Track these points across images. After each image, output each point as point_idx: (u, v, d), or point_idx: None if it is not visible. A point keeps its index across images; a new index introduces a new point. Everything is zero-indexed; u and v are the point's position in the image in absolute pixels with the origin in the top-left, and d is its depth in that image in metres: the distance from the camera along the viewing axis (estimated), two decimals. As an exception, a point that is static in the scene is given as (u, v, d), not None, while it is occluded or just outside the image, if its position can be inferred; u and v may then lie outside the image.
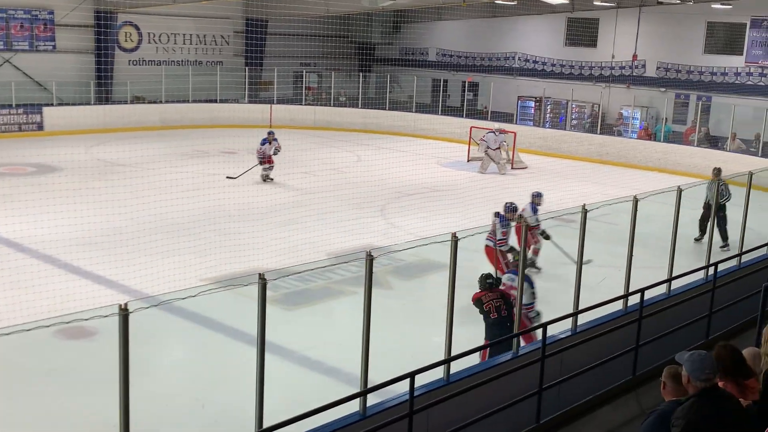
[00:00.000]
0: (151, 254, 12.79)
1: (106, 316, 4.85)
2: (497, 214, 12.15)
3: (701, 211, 15.24)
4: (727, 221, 14.57)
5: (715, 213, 12.02)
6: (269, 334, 5.78)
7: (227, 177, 18.46)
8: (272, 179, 19.75)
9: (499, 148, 23.59)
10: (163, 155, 21.57)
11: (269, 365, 5.75)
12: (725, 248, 14.35)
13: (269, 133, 20.35)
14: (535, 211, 13.51)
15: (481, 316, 8.76)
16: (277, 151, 19.97)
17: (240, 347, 9.39)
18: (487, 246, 12.08)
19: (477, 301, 8.80)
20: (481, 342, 8.41)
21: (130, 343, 4.98)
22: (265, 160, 19.79)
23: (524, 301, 8.30)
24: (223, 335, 10.08)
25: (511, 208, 12.51)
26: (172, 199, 15.12)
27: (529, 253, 12.23)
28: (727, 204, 14.45)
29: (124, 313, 4.86)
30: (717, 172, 15.18)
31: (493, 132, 23.67)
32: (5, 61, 26.56)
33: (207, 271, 12.09)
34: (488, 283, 8.89)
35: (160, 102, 28.44)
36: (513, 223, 12.18)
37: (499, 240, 11.93)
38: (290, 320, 10.71)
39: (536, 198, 13.71)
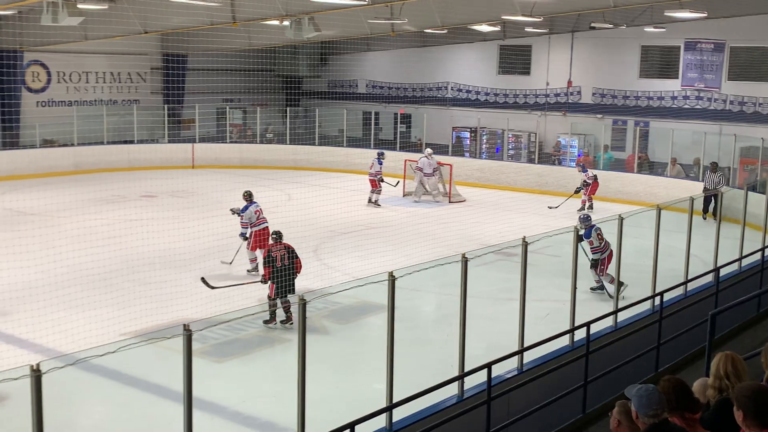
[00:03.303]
0: (65, 309, 12.46)
1: (16, 379, 4.71)
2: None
3: (643, 239, 15.78)
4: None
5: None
6: (198, 390, 5.68)
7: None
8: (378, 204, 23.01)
9: (434, 172, 23.95)
10: (77, 201, 21.14)
11: (198, 423, 5.65)
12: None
13: (379, 154, 23.59)
14: None
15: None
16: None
17: (167, 405, 9.18)
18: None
19: (268, 253, 12.20)
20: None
21: (44, 406, 4.83)
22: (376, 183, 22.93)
23: None
24: (147, 393, 9.85)
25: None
26: (87, 248, 14.79)
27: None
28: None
29: (37, 375, 4.73)
30: (714, 166, 21.66)
31: (426, 156, 24.05)
32: None
33: (128, 325, 11.82)
34: (276, 237, 12.47)
35: (73, 145, 27.94)
36: None
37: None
38: (220, 373, 10.54)
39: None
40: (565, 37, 30.37)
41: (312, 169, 29.37)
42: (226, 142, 31.12)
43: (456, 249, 15.49)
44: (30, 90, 29.11)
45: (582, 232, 13.44)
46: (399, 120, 31.35)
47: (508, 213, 21.87)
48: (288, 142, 30.97)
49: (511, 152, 30.39)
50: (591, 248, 13.74)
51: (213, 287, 13.24)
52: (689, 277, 11.28)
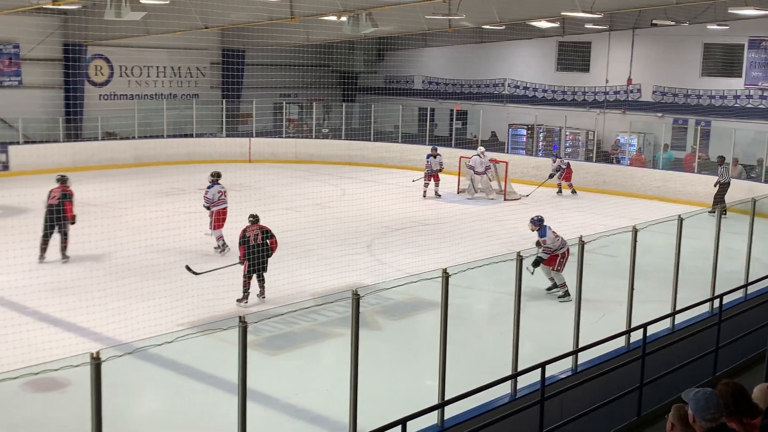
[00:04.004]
0: (124, 299, 12.71)
1: (77, 366, 4.81)
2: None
3: (702, 240, 15.49)
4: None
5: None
6: (251, 381, 5.74)
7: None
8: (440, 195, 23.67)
9: (486, 171, 23.82)
10: (137, 193, 21.54)
11: (251, 414, 5.71)
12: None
13: (433, 149, 23.96)
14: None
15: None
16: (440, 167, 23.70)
17: (220, 396, 9.30)
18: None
19: (243, 233, 13.09)
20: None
21: (102, 393, 4.93)
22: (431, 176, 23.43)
23: None
24: (202, 383, 9.99)
25: None
26: (146, 240, 15.07)
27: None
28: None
29: (96, 362, 4.82)
30: (721, 159, 21.95)
31: (478, 155, 23.94)
32: (-32, 97, 26.58)
33: (184, 316, 12.02)
34: (252, 220, 13.28)
35: (134, 138, 28.47)
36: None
37: None
38: (273, 366, 10.63)
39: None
40: (626, 34, 29.88)
41: (367, 165, 29.43)
42: (282, 137, 31.37)
43: (510, 247, 15.40)
44: (93, 83, 29.73)
45: (536, 231, 13.79)
46: (455, 116, 31.21)
47: (564, 212, 21.64)
48: (343, 138, 31.10)
49: (569, 150, 30.04)
50: (544, 246, 13.57)
51: (197, 273, 13.61)
52: (750, 280, 11.03)
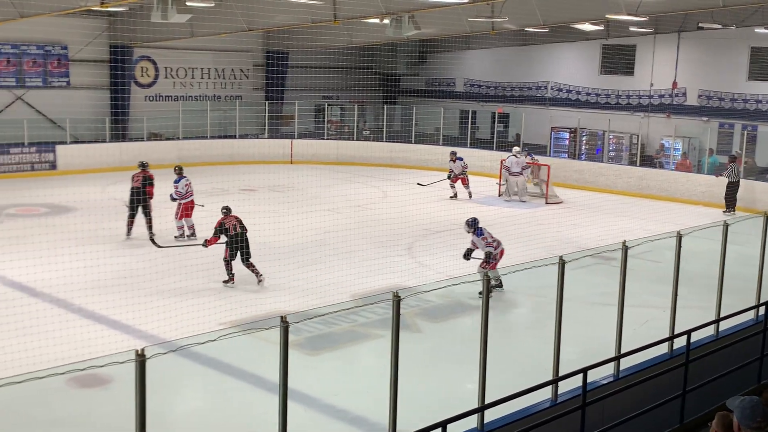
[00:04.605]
0: (168, 297, 12.87)
1: (122, 363, 4.88)
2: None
3: (748, 246, 15.31)
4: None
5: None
6: (291, 381, 5.77)
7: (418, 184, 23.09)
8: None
9: (522, 171, 23.66)
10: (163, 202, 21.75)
11: (291, 413, 5.74)
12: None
13: (452, 153, 23.92)
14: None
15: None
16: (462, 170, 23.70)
17: (260, 394, 9.38)
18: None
19: (221, 224, 14.01)
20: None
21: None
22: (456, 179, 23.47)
23: None
24: (242, 382, 10.07)
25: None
26: (190, 239, 15.23)
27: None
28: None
29: (141, 359, 4.89)
30: (732, 158, 22.66)
31: (514, 155, 23.80)
32: (17, 98, 27.10)
33: (226, 315, 12.13)
34: (225, 211, 14.22)
35: (178, 138, 28.81)
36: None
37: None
38: (313, 366, 10.68)
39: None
40: (671, 37, 29.53)
41: (408, 167, 29.42)
42: (323, 139, 31.51)
43: (552, 251, 15.32)
44: (139, 84, 30.17)
45: (470, 232, 13.88)
46: (497, 119, 31.10)
47: (607, 216, 21.42)
48: (384, 140, 31.14)
49: (612, 154, 29.74)
50: (485, 243, 13.66)
51: (160, 246, 15.14)
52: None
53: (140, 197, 16.95)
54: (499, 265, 13.55)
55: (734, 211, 22.19)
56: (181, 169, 17.68)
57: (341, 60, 33.24)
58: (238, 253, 14.01)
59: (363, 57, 32.79)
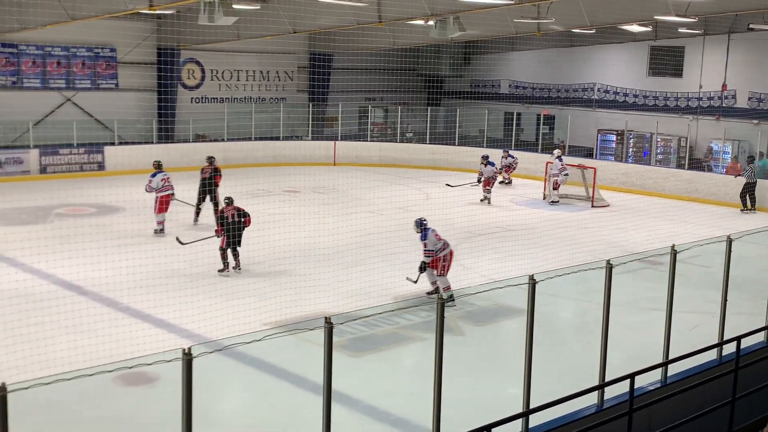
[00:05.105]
0: (213, 297, 13.00)
1: (169, 361, 4.94)
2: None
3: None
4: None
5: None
6: (334, 382, 5.79)
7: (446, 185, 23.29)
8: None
9: (560, 172, 23.46)
10: (225, 194, 21.95)
11: (335, 414, 5.76)
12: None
13: (483, 157, 23.61)
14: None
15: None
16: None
17: (305, 395, 9.42)
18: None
19: (221, 213, 14.91)
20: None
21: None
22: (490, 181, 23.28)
23: None
24: (285, 382, 10.13)
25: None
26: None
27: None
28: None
29: (188, 358, 4.94)
30: (750, 159, 23.60)
31: (557, 158, 23.62)
32: (67, 99, 27.61)
33: (269, 315, 12.21)
34: (227, 201, 14.99)
35: (223, 140, 29.10)
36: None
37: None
38: (356, 367, 10.70)
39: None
40: (721, 39, 29.04)
41: (451, 169, 29.33)
42: (366, 141, 31.57)
43: (598, 255, 15.14)
44: (185, 86, 30.54)
45: (419, 234, 13.55)
46: (542, 121, 30.85)
47: (655, 220, 21.15)
48: (428, 142, 31.10)
49: (660, 157, 29.34)
50: (425, 250, 13.32)
51: (184, 243, 15.41)
52: None
53: (209, 188, 18.69)
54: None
55: (754, 209, 22.94)
56: (159, 164, 18.38)
57: (385, 62, 33.30)
58: (232, 242, 14.70)
59: (407, 59, 32.80)
